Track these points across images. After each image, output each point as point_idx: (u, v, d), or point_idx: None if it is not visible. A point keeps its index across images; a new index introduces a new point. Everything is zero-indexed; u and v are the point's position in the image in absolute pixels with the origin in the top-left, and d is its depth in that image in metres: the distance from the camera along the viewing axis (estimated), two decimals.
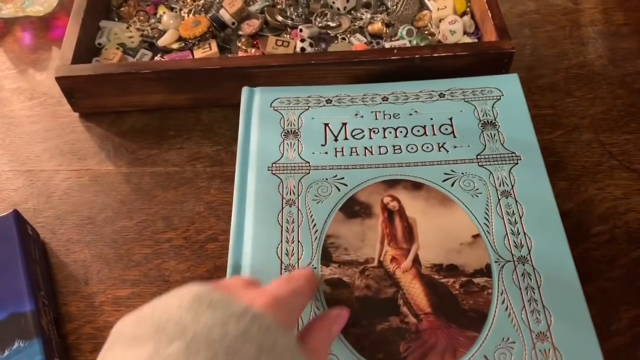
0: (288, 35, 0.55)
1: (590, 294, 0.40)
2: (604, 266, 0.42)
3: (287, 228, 0.40)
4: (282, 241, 0.40)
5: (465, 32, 0.54)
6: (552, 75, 0.54)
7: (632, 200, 0.45)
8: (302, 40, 0.53)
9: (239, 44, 0.54)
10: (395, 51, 0.49)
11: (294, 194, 0.42)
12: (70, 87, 0.50)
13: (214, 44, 0.54)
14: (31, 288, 0.38)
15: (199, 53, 0.53)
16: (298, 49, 0.53)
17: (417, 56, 0.48)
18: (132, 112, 0.52)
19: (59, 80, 0.49)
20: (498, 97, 0.47)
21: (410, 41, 0.54)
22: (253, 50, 0.54)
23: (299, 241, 0.40)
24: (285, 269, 0.38)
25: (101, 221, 0.46)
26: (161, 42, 0.55)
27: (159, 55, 0.55)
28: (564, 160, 0.48)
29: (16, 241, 0.40)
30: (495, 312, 0.36)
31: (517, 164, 0.43)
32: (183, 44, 0.54)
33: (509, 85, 0.48)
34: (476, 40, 0.53)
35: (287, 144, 0.45)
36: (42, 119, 0.53)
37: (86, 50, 0.53)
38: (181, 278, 0.43)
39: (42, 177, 0.49)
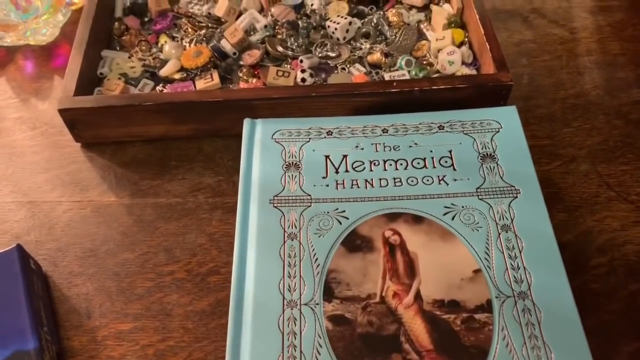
0: (289, 66, 0.56)
1: (589, 327, 0.41)
2: (602, 299, 0.42)
3: (289, 262, 0.41)
4: (284, 276, 0.40)
5: (463, 63, 0.54)
6: (549, 105, 0.54)
7: (629, 232, 0.46)
8: (303, 71, 0.54)
9: (240, 74, 0.55)
10: (394, 84, 0.50)
11: (296, 227, 0.42)
12: (72, 118, 0.50)
13: (215, 74, 0.54)
14: (34, 325, 0.38)
15: (200, 84, 0.54)
16: (299, 79, 0.54)
17: (416, 89, 0.49)
18: (134, 142, 0.53)
19: (62, 112, 0.49)
20: (497, 130, 0.48)
21: (409, 71, 0.54)
22: (254, 80, 0.55)
23: (301, 276, 0.40)
24: (287, 304, 0.39)
25: (103, 253, 0.46)
26: (163, 72, 0.55)
27: (160, 85, 0.55)
28: (562, 191, 0.48)
29: (19, 277, 0.40)
30: (496, 348, 0.36)
31: (516, 197, 0.43)
32: (185, 74, 0.55)
33: (508, 117, 0.48)
34: (474, 71, 0.54)
35: (289, 176, 0.45)
36: (44, 149, 0.53)
37: (88, 80, 0.53)
38: (183, 312, 0.43)
39: (44, 208, 0.49)
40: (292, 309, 0.38)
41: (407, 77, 0.54)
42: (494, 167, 0.45)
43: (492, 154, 0.46)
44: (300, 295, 0.39)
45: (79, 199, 0.50)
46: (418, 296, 0.39)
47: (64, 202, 0.49)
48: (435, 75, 0.54)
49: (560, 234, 0.45)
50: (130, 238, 0.47)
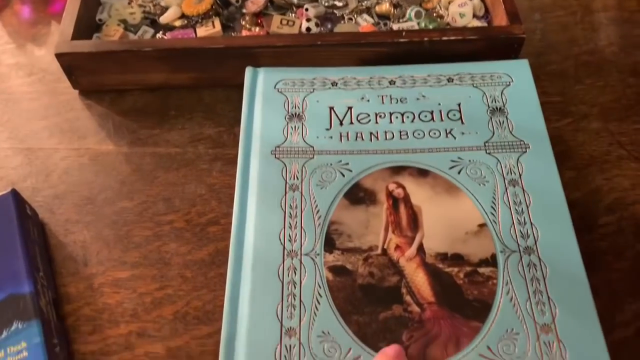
0: (293, 14, 0.54)
1: (595, 285, 0.40)
2: (610, 258, 0.42)
3: (290, 213, 0.40)
4: (284, 227, 0.39)
5: (474, 16, 0.52)
6: (561, 61, 0.53)
7: (639, 191, 0.44)
8: (308, 20, 0.52)
9: (243, 23, 0.53)
10: (404, 33, 0.48)
11: (298, 179, 0.41)
12: (70, 64, 0.48)
13: (217, 22, 0.53)
14: (30, 269, 0.38)
15: (202, 31, 0.52)
16: (303, 29, 0.52)
17: (426, 39, 0.47)
18: (133, 90, 0.51)
19: (59, 56, 0.48)
20: (507, 83, 0.46)
21: (418, 23, 0.53)
22: (257, 29, 0.53)
23: (302, 227, 0.39)
24: (287, 255, 0.38)
25: (101, 202, 0.45)
26: (163, 19, 0.53)
27: (160, 32, 0.53)
28: (571, 149, 0.47)
29: (14, 221, 0.40)
30: (499, 302, 0.36)
31: (525, 152, 0.42)
32: (186, 22, 0.53)
33: (519, 71, 0.47)
34: (486, 24, 0.52)
35: (292, 127, 0.44)
36: (41, 95, 0.52)
37: (86, 26, 0.52)
38: (182, 261, 0.42)
39: (41, 155, 0.48)
40: (292, 259, 0.38)
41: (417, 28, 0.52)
42: (503, 122, 0.44)
43: (502, 107, 0.45)
44: (301, 245, 0.38)
45: (77, 147, 0.48)
46: (421, 249, 0.38)
47: (62, 149, 0.48)
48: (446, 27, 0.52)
49: (568, 192, 0.44)
50: (128, 187, 0.46)
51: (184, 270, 0.42)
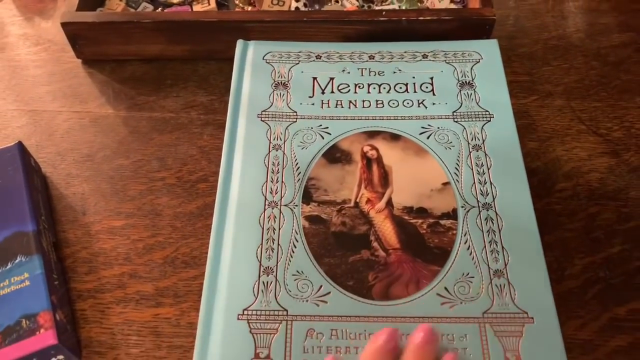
0: None
1: (549, 242, 0.44)
2: (564, 219, 0.45)
3: (272, 170, 0.43)
4: (267, 181, 0.43)
5: (452, 1, 0.56)
6: (531, 45, 0.57)
7: (595, 161, 0.48)
8: (297, 0, 0.56)
9: (237, 2, 0.57)
10: (383, 13, 0.52)
11: (281, 139, 0.45)
12: (74, 33, 0.52)
13: (212, 1, 0.56)
14: (33, 211, 0.41)
15: (197, 8, 0.56)
16: (292, 8, 0.56)
17: (403, 18, 0.51)
18: (132, 61, 0.55)
19: (64, 25, 0.52)
20: (477, 60, 0.50)
21: (400, 6, 0.57)
22: (249, 7, 0.57)
23: (282, 181, 0.43)
24: (268, 205, 0.42)
25: (100, 159, 0.49)
26: None
27: (160, 8, 0.57)
28: (535, 122, 0.51)
29: (20, 168, 0.43)
30: (457, 250, 0.39)
31: (489, 121, 0.46)
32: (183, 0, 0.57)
33: (489, 50, 0.51)
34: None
35: (277, 94, 0.48)
36: (47, 63, 0.56)
37: (91, 0, 0.56)
38: (172, 212, 0.46)
39: (45, 116, 0.52)
40: (272, 209, 0.41)
41: None
42: (471, 94, 0.48)
43: (471, 82, 0.48)
44: (281, 197, 0.42)
45: (79, 110, 0.52)
46: (389, 203, 0.42)
47: (64, 112, 0.52)
48: None
49: (530, 161, 0.49)
50: (125, 147, 0.50)
51: (174, 221, 0.46)
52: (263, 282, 0.38)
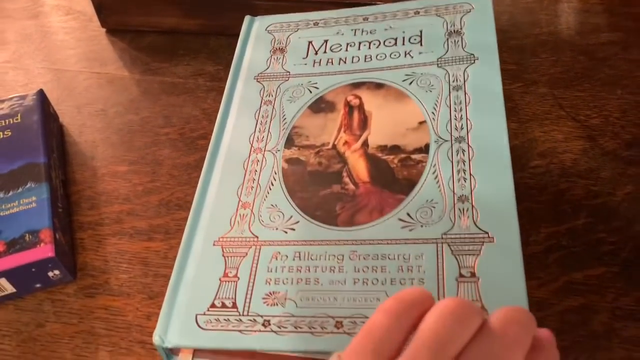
0: None
1: (518, 211, 0.46)
2: (534, 192, 0.48)
3: (261, 122, 0.47)
4: (255, 131, 0.47)
5: None
6: (522, 38, 0.60)
7: (571, 144, 0.51)
8: None
9: None
10: None
11: (272, 96, 0.49)
12: (100, 2, 0.58)
13: None
14: (46, 147, 0.46)
15: None
16: None
17: None
18: (150, 32, 0.60)
19: None
20: (468, 11, 0.51)
21: None
22: None
23: (269, 131, 0.47)
24: (254, 151, 0.45)
25: (112, 114, 0.54)
26: None
27: None
28: (518, 106, 0.54)
29: (37, 111, 0.48)
30: (425, 180, 0.41)
31: (473, 63, 0.47)
32: None
33: (481, 0, 0.52)
34: None
35: (274, 58, 0.52)
36: (74, 30, 0.61)
37: None
38: (172, 163, 0.50)
39: (67, 75, 0.57)
40: (257, 154, 0.45)
41: None
42: (457, 41, 0.49)
43: (459, 30, 0.50)
44: (266, 144, 0.46)
45: (98, 71, 0.57)
46: (365, 143, 0.45)
47: (85, 72, 0.57)
48: None
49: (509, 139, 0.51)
50: (136, 104, 0.55)
51: (172, 170, 0.50)
52: (240, 214, 0.42)
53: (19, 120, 0.48)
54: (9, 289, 0.41)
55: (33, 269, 0.40)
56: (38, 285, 0.42)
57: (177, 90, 0.56)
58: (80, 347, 0.40)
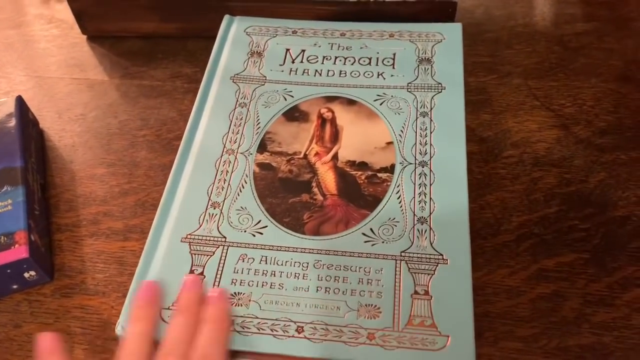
0: None
1: (491, 201, 0.47)
2: (507, 182, 0.48)
3: (235, 123, 0.48)
4: (228, 132, 0.48)
5: None
6: (497, 31, 0.60)
7: (544, 133, 0.51)
8: None
9: None
10: None
11: (248, 99, 0.50)
12: (79, 9, 0.59)
13: None
14: (23, 151, 0.47)
15: None
16: None
17: (372, 0, 0.56)
18: (130, 37, 0.61)
19: (71, 2, 0.58)
20: (439, 40, 0.54)
21: None
22: None
23: (242, 133, 0.47)
24: (226, 152, 0.46)
25: (91, 118, 0.55)
26: None
27: None
28: (492, 98, 0.54)
29: (15, 116, 0.49)
30: (389, 198, 0.43)
31: (440, 92, 0.49)
32: None
33: (452, 32, 0.54)
34: None
35: (251, 61, 0.53)
36: (56, 38, 0.62)
37: None
38: (148, 164, 0.51)
39: (49, 82, 0.58)
40: (229, 155, 0.46)
41: None
42: (427, 69, 0.51)
43: (430, 58, 0.52)
44: (239, 146, 0.47)
45: (78, 77, 0.58)
46: (335, 157, 0.46)
47: (66, 78, 0.58)
48: None
49: (482, 131, 0.52)
50: (115, 108, 0.56)
51: (149, 171, 0.51)
52: (209, 213, 0.42)
53: None
54: None
55: (8, 270, 0.41)
56: (15, 287, 0.43)
57: (155, 92, 0.56)
58: None
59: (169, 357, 0.32)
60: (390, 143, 0.46)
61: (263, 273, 0.39)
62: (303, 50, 0.54)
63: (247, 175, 0.45)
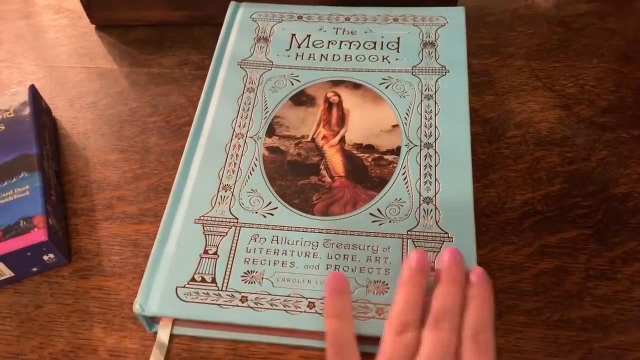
0: None
1: (495, 180, 0.48)
2: (510, 161, 0.49)
3: (244, 108, 0.49)
4: (237, 117, 0.49)
5: None
6: (500, 13, 0.61)
7: (547, 113, 0.52)
8: None
9: None
10: None
11: (255, 84, 0.51)
12: None
13: None
14: (38, 138, 0.48)
15: None
16: None
17: None
18: (138, 26, 0.62)
19: None
20: (443, 24, 0.55)
21: None
22: None
23: (251, 118, 0.49)
24: (236, 136, 0.47)
25: (102, 105, 0.56)
26: None
27: None
28: (495, 79, 0.55)
29: (29, 105, 0.50)
30: (395, 180, 0.44)
31: (444, 75, 0.50)
32: None
33: (455, 15, 0.55)
34: None
35: (258, 46, 0.54)
36: (65, 28, 0.64)
37: None
38: (159, 150, 0.52)
39: (59, 71, 0.59)
40: (239, 139, 0.47)
41: None
42: (431, 52, 0.52)
43: (434, 42, 0.53)
44: (248, 130, 0.48)
45: (88, 66, 0.60)
46: (342, 140, 0.47)
47: (76, 67, 0.60)
48: None
49: (485, 112, 0.53)
50: (125, 96, 0.57)
51: (160, 157, 0.52)
52: (221, 196, 0.44)
53: (12, 115, 0.50)
54: (7, 273, 0.43)
55: (28, 253, 0.43)
56: (35, 269, 0.44)
57: (164, 80, 0.58)
58: (76, 325, 0.42)
59: (441, 323, 0.34)
60: (395, 126, 0.47)
61: (275, 252, 0.40)
62: (309, 35, 0.55)
63: (256, 159, 0.46)
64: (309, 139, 0.47)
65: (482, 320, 0.34)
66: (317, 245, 0.41)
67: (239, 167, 0.45)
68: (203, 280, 0.39)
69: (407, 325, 0.34)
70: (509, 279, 0.43)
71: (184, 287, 0.39)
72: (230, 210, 0.43)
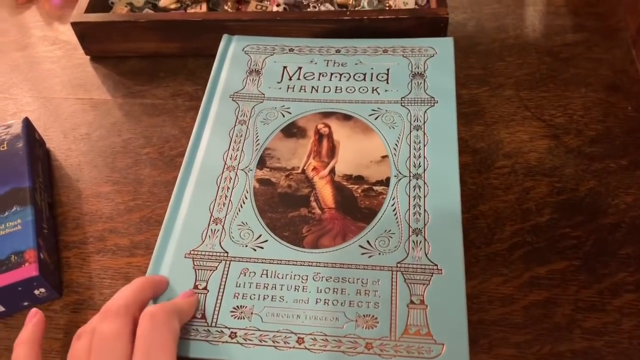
0: (267, 2, 0.65)
1: (485, 211, 0.48)
2: (500, 192, 0.50)
3: (235, 140, 0.50)
4: (229, 149, 0.49)
5: (416, 4, 0.62)
6: (489, 43, 0.62)
7: (536, 143, 0.53)
8: (278, 5, 0.63)
9: (226, 7, 0.65)
10: (347, 12, 0.58)
11: (247, 116, 0.52)
12: (82, 31, 0.61)
13: (204, 6, 0.64)
14: (31, 171, 0.49)
15: (190, 12, 0.64)
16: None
17: (365, 17, 0.57)
18: (132, 57, 0.63)
19: (74, 25, 0.60)
20: (432, 55, 0.55)
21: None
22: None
23: (242, 150, 0.49)
24: (227, 169, 0.48)
25: (96, 137, 0.57)
26: (162, 3, 0.66)
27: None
28: (484, 109, 0.56)
29: (23, 138, 0.51)
30: (384, 211, 0.44)
31: (433, 106, 0.51)
32: (179, 5, 0.65)
33: (444, 46, 0.56)
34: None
35: (250, 79, 0.55)
36: (60, 59, 0.64)
37: (100, 6, 0.64)
38: (152, 181, 0.53)
39: (54, 102, 0.60)
40: (230, 172, 0.48)
41: None
42: (420, 83, 0.53)
43: (422, 73, 0.54)
44: (239, 163, 0.48)
45: (82, 97, 0.60)
46: (332, 171, 0.48)
47: (70, 99, 0.60)
48: None
49: (475, 142, 0.53)
50: (118, 127, 0.57)
51: (152, 188, 0.52)
52: (211, 229, 0.44)
53: (5, 148, 0.50)
54: None
55: (19, 288, 0.43)
56: (26, 304, 0.44)
57: (157, 111, 0.58)
58: None
59: None
60: (385, 157, 0.48)
61: (264, 286, 0.40)
62: (300, 68, 0.55)
63: (247, 191, 0.46)
64: (300, 171, 0.48)
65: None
66: (307, 279, 0.41)
67: (230, 199, 0.46)
68: (193, 316, 0.39)
69: None
70: (499, 311, 0.43)
71: None
72: (220, 243, 0.43)
